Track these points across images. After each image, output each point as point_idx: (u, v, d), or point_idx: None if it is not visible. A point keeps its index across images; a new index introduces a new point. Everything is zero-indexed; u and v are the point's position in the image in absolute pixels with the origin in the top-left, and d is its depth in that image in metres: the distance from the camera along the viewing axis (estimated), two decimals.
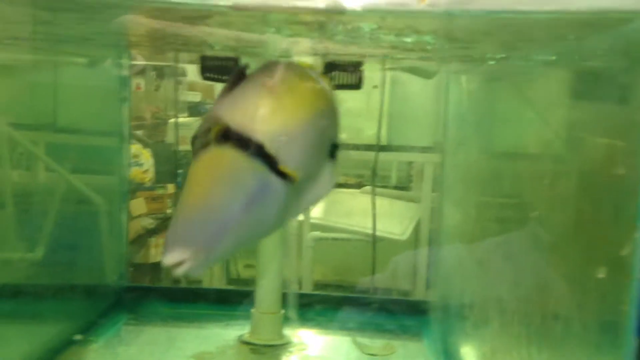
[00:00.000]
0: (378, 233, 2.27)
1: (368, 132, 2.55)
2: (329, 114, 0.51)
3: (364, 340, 1.24)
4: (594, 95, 0.66)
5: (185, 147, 2.68)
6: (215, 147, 0.42)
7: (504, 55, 0.90)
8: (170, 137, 2.66)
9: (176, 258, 0.39)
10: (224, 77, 1.30)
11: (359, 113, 2.51)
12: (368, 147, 2.39)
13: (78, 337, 1.20)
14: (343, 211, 2.57)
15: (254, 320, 1.26)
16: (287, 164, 0.43)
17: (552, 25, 0.60)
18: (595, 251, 0.59)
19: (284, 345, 1.25)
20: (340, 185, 2.80)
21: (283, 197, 0.44)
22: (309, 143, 0.46)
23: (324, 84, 0.53)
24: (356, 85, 1.23)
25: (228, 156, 0.42)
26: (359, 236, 2.47)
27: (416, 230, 2.45)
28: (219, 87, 2.56)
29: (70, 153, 1.29)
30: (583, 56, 0.67)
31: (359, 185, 2.82)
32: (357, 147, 2.39)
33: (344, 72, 1.21)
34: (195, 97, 3.33)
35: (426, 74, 1.40)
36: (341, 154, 0.54)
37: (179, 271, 0.40)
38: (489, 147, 1.12)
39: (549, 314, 0.72)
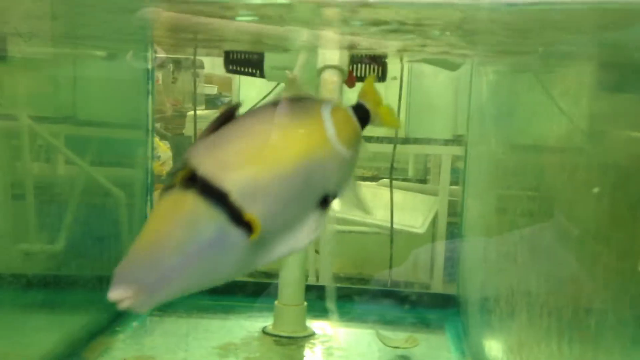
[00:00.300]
0: (396, 226, 2.26)
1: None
2: (324, 165, 0.47)
3: (387, 333, 1.24)
4: (629, 87, 0.66)
5: None
6: (180, 191, 0.41)
7: (539, 47, 0.89)
8: (188, 130, 2.67)
9: (119, 295, 0.40)
10: (247, 70, 1.31)
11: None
12: (385, 140, 2.39)
13: None
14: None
15: (277, 312, 1.27)
16: (254, 215, 0.42)
17: (589, 17, 0.60)
18: (634, 244, 0.59)
19: (307, 337, 1.26)
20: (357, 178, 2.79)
21: (242, 249, 0.43)
22: (285, 196, 0.44)
23: (332, 129, 0.48)
24: (380, 78, 1.23)
25: (189, 201, 0.41)
26: (377, 229, 2.47)
27: (434, 223, 2.44)
28: (236, 79, 2.57)
29: (96, 146, 1.31)
30: (621, 47, 0.66)
31: (375, 179, 2.82)
32: (374, 140, 2.39)
33: (368, 65, 1.21)
34: (212, 89, 3.34)
35: (451, 66, 1.39)
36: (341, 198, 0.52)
37: (122, 306, 0.41)
38: (515, 140, 1.12)
39: (581, 307, 0.71)
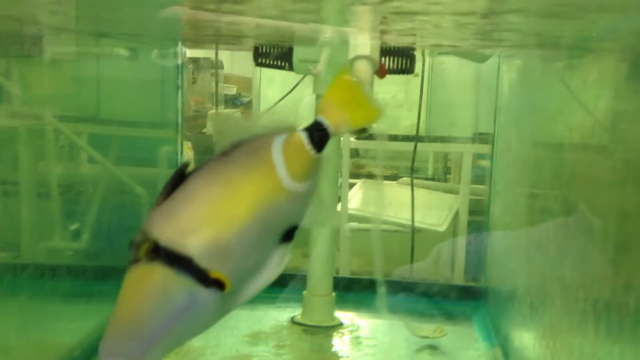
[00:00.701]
0: (417, 224, 2.27)
1: (405, 122, 2.55)
2: (280, 206, 0.47)
3: (415, 323, 1.25)
4: None
5: None
6: (145, 264, 0.43)
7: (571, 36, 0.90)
8: (209, 129, 2.70)
9: None
10: (276, 63, 1.33)
11: (396, 102, 2.51)
12: (405, 138, 2.40)
13: None
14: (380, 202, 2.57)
15: (305, 302, 1.29)
16: (221, 271, 0.44)
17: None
18: None
19: (335, 327, 1.27)
20: (372, 177, 2.81)
21: (215, 304, 0.45)
22: (246, 246, 0.45)
23: (283, 169, 0.47)
24: (409, 70, 1.24)
25: (157, 273, 0.43)
26: (397, 227, 2.48)
27: (455, 221, 2.44)
28: (256, 79, 2.59)
29: (123, 145, 1.33)
30: None
31: (394, 178, 2.82)
32: (393, 139, 2.40)
33: (396, 57, 1.23)
34: (231, 89, 3.36)
35: (480, 58, 1.40)
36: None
37: None
38: (543, 135, 1.12)
39: (618, 287, 0.72)
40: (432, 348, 1.19)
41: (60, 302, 1.11)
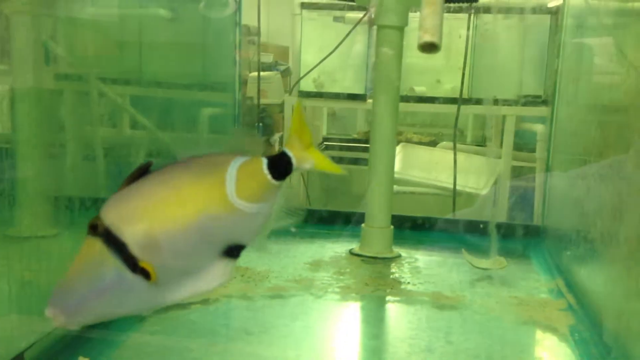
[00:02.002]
0: (458, 187, 2.27)
1: (446, 86, 2.54)
2: (221, 220, 0.50)
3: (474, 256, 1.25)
4: None
5: (265, 100, 2.76)
6: (92, 236, 0.49)
7: None
8: (250, 91, 2.72)
9: (50, 314, 0.49)
10: None
11: (439, 65, 2.50)
12: (446, 101, 2.39)
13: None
14: (421, 165, 2.57)
15: (364, 234, 1.30)
16: (150, 262, 0.48)
17: None
18: None
19: (393, 259, 1.28)
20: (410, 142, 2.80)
21: (141, 290, 0.49)
22: (180, 247, 0.49)
23: (232, 186, 0.50)
24: None
25: (97, 247, 0.48)
26: (437, 190, 2.48)
27: (496, 185, 2.43)
28: (293, 46, 2.59)
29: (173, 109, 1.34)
30: None
31: (433, 144, 2.82)
32: (432, 101, 2.39)
33: None
34: (267, 57, 3.38)
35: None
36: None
37: (54, 324, 0.50)
38: (605, 98, 1.10)
39: None
40: (492, 278, 1.19)
41: None
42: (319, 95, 2.38)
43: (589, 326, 0.97)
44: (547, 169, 1.48)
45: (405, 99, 2.28)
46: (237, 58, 1.56)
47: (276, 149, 3.31)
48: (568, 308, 1.05)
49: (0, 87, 0.89)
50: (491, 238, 1.21)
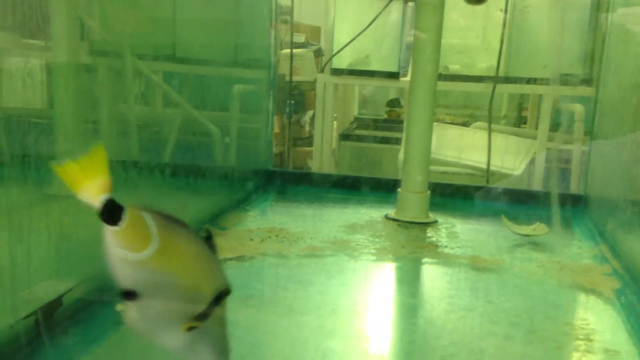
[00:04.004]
0: (492, 167, 2.22)
1: (482, 64, 2.48)
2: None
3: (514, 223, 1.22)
4: None
5: (297, 77, 2.74)
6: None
7: None
8: (282, 68, 2.70)
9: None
10: None
11: (474, 45, 2.45)
12: (480, 79, 2.33)
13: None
14: (454, 145, 2.53)
15: (400, 199, 1.28)
16: None
17: None
18: None
19: (430, 224, 1.26)
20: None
21: None
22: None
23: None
24: None
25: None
26: (471, 170, 2.43)
27: (531, 165, 2.38)
28: (329, 29, 2.57)
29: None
30: None
31: (466, 125, 2.77)
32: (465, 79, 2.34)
33: None
34: (300, 37, 3.37)
35: None
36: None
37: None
38: None
39: None
40: (533, 244, 1.16)
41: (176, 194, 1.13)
42: (351, 73, 2.35)
43: (635, 290, 0.93)
44: (592, 138, 1.43)
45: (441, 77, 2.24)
46: (273, 33, 1.54)
47: (307, 129, 3.28)
48: (613, 273, 1.02)
49: (39, 62, 0.89)
50: (552, 205, 1.17)
